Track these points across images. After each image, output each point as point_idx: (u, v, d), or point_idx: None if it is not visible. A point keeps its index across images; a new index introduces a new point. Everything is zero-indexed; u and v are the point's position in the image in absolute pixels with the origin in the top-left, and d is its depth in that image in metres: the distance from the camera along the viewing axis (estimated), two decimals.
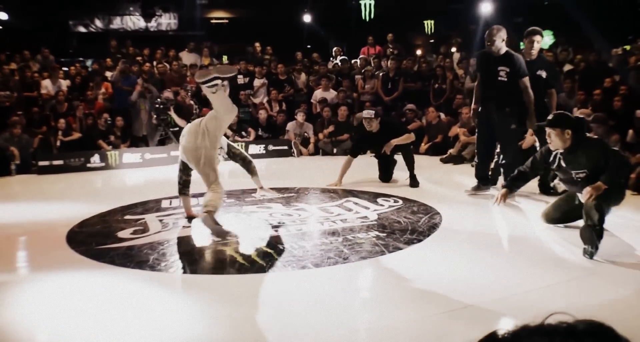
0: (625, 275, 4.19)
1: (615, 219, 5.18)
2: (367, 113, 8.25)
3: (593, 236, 4.53)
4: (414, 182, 7.98)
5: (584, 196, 4.80)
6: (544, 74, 7.03)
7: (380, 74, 13.68)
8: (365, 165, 8.76)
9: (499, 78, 6.83)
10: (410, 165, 8.09)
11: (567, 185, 5.37)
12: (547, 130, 5.12)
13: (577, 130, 5.03)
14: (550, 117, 5.22)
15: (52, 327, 3.44)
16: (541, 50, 7.31)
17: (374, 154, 10.48)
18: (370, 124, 8.10)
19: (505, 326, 0.95)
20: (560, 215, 5.42)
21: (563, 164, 5.10)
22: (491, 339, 0.94)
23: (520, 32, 14.47)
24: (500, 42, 6.83)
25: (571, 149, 5.02)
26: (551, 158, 5.22)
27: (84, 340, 3.24)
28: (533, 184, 6.80)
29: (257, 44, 15.65)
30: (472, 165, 7.98)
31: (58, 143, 11.17)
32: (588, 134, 5.20)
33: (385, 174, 8.39)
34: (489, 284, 4.01)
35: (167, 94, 12.40)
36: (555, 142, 5.09)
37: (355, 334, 3.32)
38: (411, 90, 13.28)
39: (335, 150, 11.95)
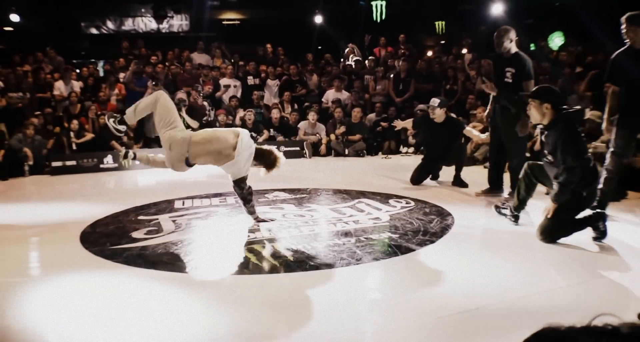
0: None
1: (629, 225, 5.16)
2: (432, 101, 8.26)
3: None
4: (461, 183, 8.03)
5: (542, 212, 5.04)
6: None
7: (391, 75, 13.68)
8: (379, 167, 8.76)
9: (505, 79, 6.81)
10: (460, 165, 8.15)
11: (545, 165, 5.34)
12: (529, 102, 5.19)
13: (557, 106, 5.04)
14: (534, 88, 5.28)
15: (64, 327, 3.45)
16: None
17: (386, 156, 10.50)
18: (433, 112, 8.09)
19: (523, 328, 0.96)
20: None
21: (543, 139, 5.18)
22: (537, 339, 0.95)
23: (530, 34, 14.50)
24: (509, 43, 6.78)
25: (549, 125, 5.07)
26: (540, 134, 5.33)
27: (98, 339, 3.27)
28: (542, 188, 6.76)
29: (268, 45, 15.68)
30: (485, 167, 7.96)
31: (74, 146, 11.23)
32: (574, 124, 5.10)
33: (421, 176, 8.33)
34: (500, 286, 3.99)
35: (181, 94, 12.46)
36: (534, 114, 5.16)
37: (364, 336, 3.32)
38: (422, 91, 13.26)
39: (347, 151, 11.96)
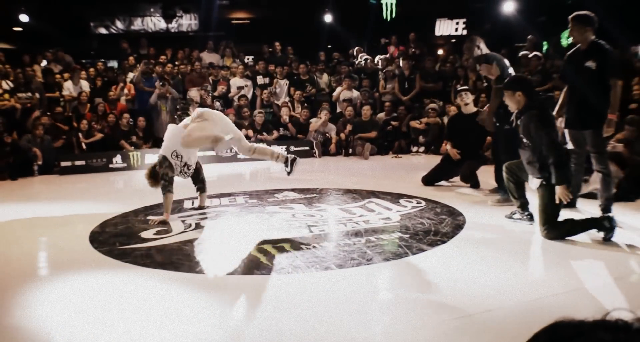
0: None
1: None
2: (462, 88, 8.30)
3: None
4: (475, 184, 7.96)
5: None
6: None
7: (397, 75, 13.63)
8: (389, 167, 8.71)
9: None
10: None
11: (520, 151, 5.50)
12: (505, 92, 5.54)
13: (529, 93, 5.38)
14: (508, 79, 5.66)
15: (72, 326, 3.43)
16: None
17: (396, 156, 10.44)
18: (464, 98, 8.02)
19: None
20: None
21: (518, 123, 5.42)
22: (551, 332, 0.93)
23: (543, 31, 14.40)
24: (477, 50, 7.11)
25: (522, 111, 5.36)
26: (512, 118, 5.56)
27: (107, 338, 3.24)
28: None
29: (277, 44, 15.62)
30: None
31: (84, 146, 11.22)
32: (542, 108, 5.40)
33: (437, 177, 8.19)
34: (513, 288, 3.94)
35: (193, 93, 12.45)
36: (509, 103, 5.51)
37: (375, 337, 3.27)
38: (432, 90, 13.19)
39: (363, 153, 11.83)
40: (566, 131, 6.19)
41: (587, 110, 5.85)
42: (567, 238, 5.09)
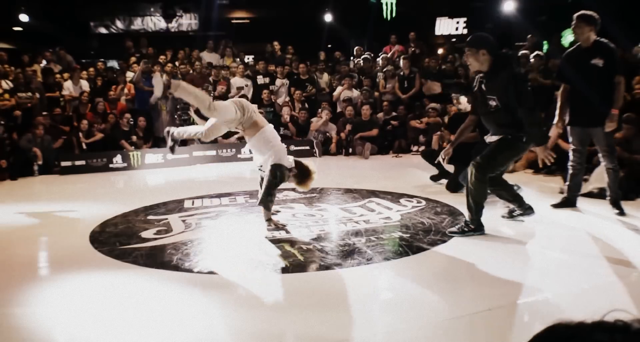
0: None
1: None
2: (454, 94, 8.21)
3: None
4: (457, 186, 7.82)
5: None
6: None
7: (396, 74, 13.62)
8: (389, 166, 8.71)
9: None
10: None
11: (484, 120, 5.40)
12: (466, 52, 5.28)
13: (493, 51, 5.11)
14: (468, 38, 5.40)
15: (72, 326, 3.43)
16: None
17: (397, 155, 10.42)
18: (458, 102, 7.93)
19: (536, 330, 0.94)
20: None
21: (483, 88, 5.20)
22: (550, 333, 0.93)
23: (544, 31, 14.39)
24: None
25: (490, 72, 5.13)
26: (475, 83, 5.37)
27: (107, 338, 3.24)
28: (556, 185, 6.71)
29: (275, 43, 15.59)
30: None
31: (84, 146, 11.22)
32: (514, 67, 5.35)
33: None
34: (513, 288, 3.93)
35: None
36: (472, 63, 5.22)
37: (375, 337, 3.27)
38: (432, 90, 13.18)
39: (363, 153, 11.80)
40: (568, 129, 6.17)
41: (595, 108, 5.81)
42: (569, 238, 5.09)
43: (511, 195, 5.72)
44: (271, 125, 5.84)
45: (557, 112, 6.22)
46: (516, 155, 5.40)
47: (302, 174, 5.85)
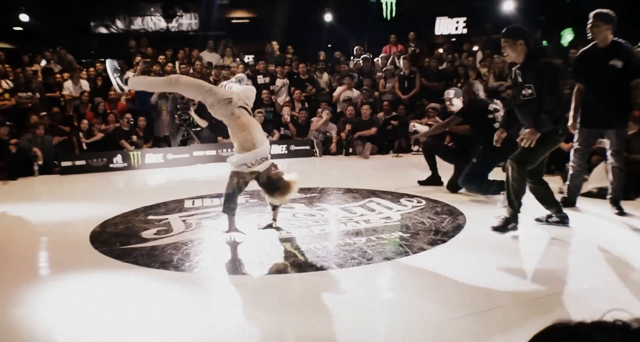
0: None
1: None
2: (447, 93, 7.97)
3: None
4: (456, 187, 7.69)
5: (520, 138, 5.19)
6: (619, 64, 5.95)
7: (397, 74, 13.61)
8: (389, 166, 8.70)
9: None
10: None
11: (520, 114, 5.38)
12: (502, 43, 5.27)
13: (529, 42, 5.18)
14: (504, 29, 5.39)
15: (72, 326, 3.43)
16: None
17: (397, 155, 10.40)
18: (451, 104, 7.78)
19: (537, 330, 0.95)
20: None
21: (519, 79, 5.26)
22: (549, 333, 0.94)
23: (542, 30, 14.38)
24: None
25: (525, 62, 5.19)
26: (513, 75, 5.44)
27: (107, 338, 3.24)
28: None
29: (274, 43, 15.56)
30: (499, 165, 7.81)
31: (84, 146, 11.22)
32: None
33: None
34: (514, 287, 3.93)
35: None
36: (509, 53, 5.25)
37: (376, 337, 3.27)
38: (432, 89, 13.17)
39: (363, 153, 11.79)
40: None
41: (611, 110, 5.74)
42: (569, 238, 5.10)
43: (551, 200, 5.53)
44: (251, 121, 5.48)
45: (571, 113, 6.11)
46: (552, 147, 5.30)
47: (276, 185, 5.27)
